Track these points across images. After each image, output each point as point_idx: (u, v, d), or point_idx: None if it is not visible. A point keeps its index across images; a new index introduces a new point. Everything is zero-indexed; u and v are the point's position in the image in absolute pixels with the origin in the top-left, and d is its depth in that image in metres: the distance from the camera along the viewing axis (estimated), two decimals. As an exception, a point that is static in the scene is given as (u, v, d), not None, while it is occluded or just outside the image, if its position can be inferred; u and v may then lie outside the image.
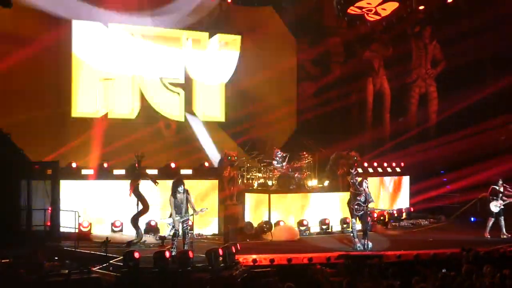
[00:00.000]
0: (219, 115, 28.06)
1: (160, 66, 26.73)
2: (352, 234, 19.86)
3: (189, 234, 17.16)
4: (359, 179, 19.80)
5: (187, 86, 27.31)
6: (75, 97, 25.16)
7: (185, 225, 16.74)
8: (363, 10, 27.57)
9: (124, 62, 26.04)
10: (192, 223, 18.85)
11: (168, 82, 26.91)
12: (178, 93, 27.11)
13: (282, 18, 28.52)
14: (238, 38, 28.02)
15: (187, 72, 27.23)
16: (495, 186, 21.61)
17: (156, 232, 20.57)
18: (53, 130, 24.10)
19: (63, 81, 25.04)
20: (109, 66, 25.72)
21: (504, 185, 21.64)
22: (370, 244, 19.36)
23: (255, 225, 21.92)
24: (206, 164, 23.83)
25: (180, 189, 16.80)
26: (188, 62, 27.30)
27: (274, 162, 24.00)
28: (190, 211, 16.88)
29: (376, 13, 27.65)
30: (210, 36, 27.53)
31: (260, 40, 28.08)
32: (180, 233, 16.77)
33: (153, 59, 26.53)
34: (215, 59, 27.75)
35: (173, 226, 16.73)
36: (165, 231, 17.81)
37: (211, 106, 27.99)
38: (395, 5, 27.47)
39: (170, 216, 16.79)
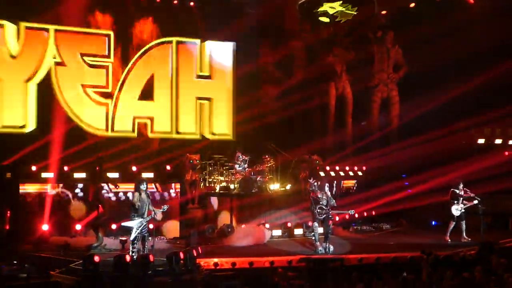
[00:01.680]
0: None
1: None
2: (313, 238, 19.88)
3: (149, 239, 17.05)
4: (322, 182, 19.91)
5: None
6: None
7: (144, 228, 16.56)
8: (326, 14, 27.63)
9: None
10: (154, 226, 18.71)
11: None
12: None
13: (244, 21, 28.35)
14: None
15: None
16: (455, 190, 21.76)
17: (117, 235, 20.39)
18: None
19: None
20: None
21: (465, 188, 21.80)
22: (331, 248, 19.43)
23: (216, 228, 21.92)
24: (168, 167, 23.72)
25: (143, 187, 16.62)
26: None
27: (236, 166, 23.96)
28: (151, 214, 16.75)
29: (338, 17, 27.72)
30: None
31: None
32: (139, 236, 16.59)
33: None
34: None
35: (137, 229, 16.47)
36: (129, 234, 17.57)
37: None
38: (357, 10, 27.60)
39: (133, 219, 16.58)
